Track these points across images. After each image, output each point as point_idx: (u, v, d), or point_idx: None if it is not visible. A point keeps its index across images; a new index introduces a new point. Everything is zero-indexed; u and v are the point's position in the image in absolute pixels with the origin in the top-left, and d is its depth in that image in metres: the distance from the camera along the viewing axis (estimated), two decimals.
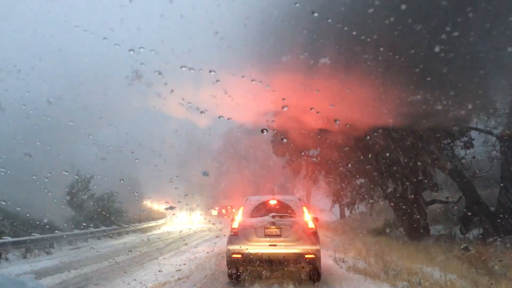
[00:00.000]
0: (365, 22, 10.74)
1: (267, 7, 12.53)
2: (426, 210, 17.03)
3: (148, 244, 19.72)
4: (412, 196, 15.91)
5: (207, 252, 14.88)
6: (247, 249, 8.86)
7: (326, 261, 11.84)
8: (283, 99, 10.38)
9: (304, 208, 9.37)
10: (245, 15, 12.57)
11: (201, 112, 12.20)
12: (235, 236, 9.06)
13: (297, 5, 10.11)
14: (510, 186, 14.23)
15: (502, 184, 14.59)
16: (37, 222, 18.27)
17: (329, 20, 10.48)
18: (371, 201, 19.72)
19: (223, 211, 50.55)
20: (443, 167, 15.60)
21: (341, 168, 17.35)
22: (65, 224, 20.70)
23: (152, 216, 38.58)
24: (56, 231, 19.43)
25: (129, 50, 10.62)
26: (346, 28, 10.64)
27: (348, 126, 13.25)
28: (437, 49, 10.11)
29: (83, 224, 22.26)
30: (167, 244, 19.41)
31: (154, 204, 51.35)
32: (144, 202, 47.26)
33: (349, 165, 16.74)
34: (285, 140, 16.87)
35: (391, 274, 9.05)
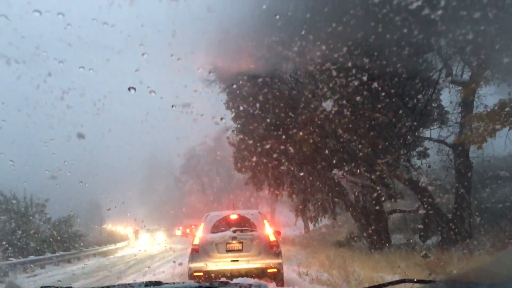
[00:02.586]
0: None
1: None
2: (387, 220, 17.33)
3: (109, 268, 19.09)
4: (373, 207, 16.15)
5: (170, 273, 14.52)
6: (208, 266, 8.70)
7: (290, 275, 11.76)
8: (141, 44, 10.18)
9: (265, 222, 9.32)
10: None
11: (59, 62, 11.51)
12: (196, 253, 8.89)
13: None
14: (464, 193, 14.69)
15: (457, 192, 15.05)
16: None
17: None
18: (333, 214, 19.85)
19: (187, 230, 49.73)
20: (401, 177, 15.95)
21: (302, 181, 17.42)
22: (19, 250, 19.80)
23: (114, 238, 37.52)
24: (10, 258, 18.56)
25: None
26: None
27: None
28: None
29: (39, 249, 21.37)
30: (128, 267, 18.85)
31: (116, 227, 50.09)
32: (105, 225, 46.00)
33: (310, 178, 16.85)
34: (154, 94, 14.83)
35: (353, 284, 9.09)
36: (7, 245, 20.06)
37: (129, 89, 9.10)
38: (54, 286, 2.69)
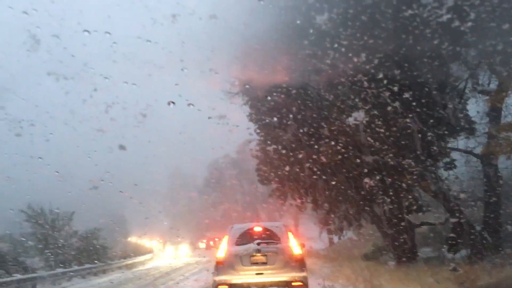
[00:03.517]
0: None
1: None
2: (414, 233, 16.96)
3: (134, 281, 19.25)
4: (399, 219, 15.84)
5: (195, 286, 14.58)
6: (233, 278, 8.68)
7: None
8: (181, 60, 10.42)
9: (290, 234, 9.26)
10: None
11: (105, 78, 11.90)
12: (221, 266, 8.89)
13: None
14: (493, 204, 14.31)
15: (486, 203, 14.68)
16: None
17: None
18: (358, 226, 19.55)
19: (211, 243, 49.84)
20: (428, 189, 15.65)
21: (326, 193, 17.24)
22: (47, 263, 20.16)
23: (139, 251, 37.83)
24: (38, 271, 18.91)
25: (23, 13, 10.32)
26: None
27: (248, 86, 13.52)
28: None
29: (67, 262, 21.71)
30: (154, 279, 18.96)
31: (141, 240, 50.55)
32: (130, 238, 46.47)
33: (334, 191, 16.69)
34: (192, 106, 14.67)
35: None
36: (46, 256, 20.50)
37: (168, 103, 9.49)
38: None
